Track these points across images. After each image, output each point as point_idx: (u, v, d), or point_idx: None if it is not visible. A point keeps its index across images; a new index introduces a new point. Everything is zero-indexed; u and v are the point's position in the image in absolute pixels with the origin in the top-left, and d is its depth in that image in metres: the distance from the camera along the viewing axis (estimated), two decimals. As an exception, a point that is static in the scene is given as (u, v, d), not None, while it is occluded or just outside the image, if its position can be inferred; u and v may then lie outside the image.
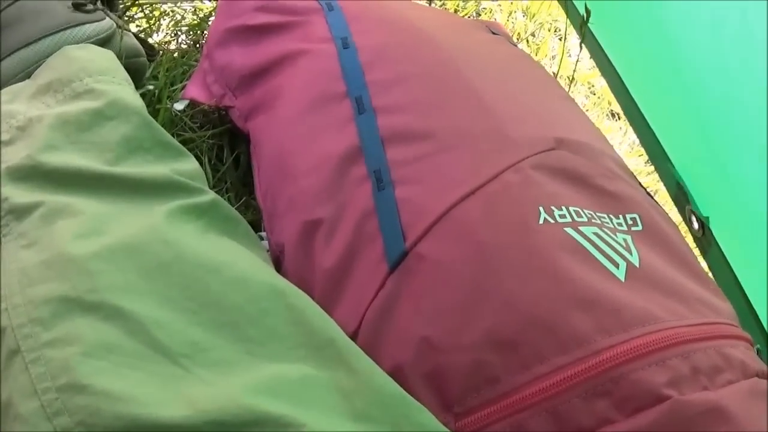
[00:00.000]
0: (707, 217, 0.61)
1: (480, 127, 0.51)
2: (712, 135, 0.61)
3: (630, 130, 1.05)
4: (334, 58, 0.58)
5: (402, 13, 0.64)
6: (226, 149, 0.71)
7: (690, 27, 0.62)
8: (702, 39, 0.60)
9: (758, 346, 0.47)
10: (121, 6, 0.77)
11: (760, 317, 0.56)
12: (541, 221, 0.45)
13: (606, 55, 0.73)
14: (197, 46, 0.85)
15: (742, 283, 0.58)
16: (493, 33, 0.70)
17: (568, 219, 0.46)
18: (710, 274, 0.62)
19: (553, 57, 1.09)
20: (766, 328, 0.55)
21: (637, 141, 1.04)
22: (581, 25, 0.64)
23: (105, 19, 0.63)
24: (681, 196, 0.64)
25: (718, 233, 0.60)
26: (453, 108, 0.52)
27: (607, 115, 1.07)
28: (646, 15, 0.66)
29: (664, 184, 0.68)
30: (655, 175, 0.96)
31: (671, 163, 0.65)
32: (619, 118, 1.08)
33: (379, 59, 0.57)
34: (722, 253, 0.60)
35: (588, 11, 0.62)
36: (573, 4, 0.74)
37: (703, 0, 0.58)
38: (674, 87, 0.65)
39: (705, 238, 0.61)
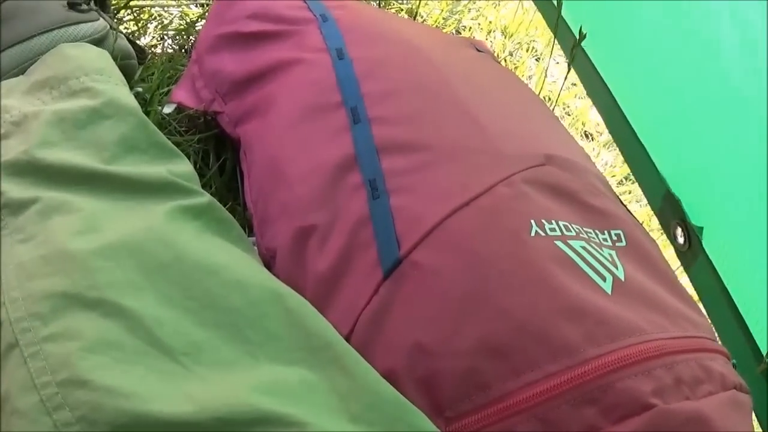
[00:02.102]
0: (701, 228, 0.62)
1: (473, 141, 0.52)
2: (706, 146, 0.62)
3: (602, 151, 1.08)
4: (329, 68, 0.59)
5: (395, 28, 0.65)
6: (212, 154, 0.72)
7: (682, 37, 0.63)
8: (697, 50, 0.62)
9: (734, 360, 0.49)
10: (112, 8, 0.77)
11: (750, 328, 0.57)
12: (532, 234, 0.46)
13: (596, 71, 0.74)
14: (183, 50, 0.86)
15: (731, 294, 0.59)
16: (478, 50, 0.72)
17: (558, 233, 0.47)
18: (692, 288, 0.64)
19: (530, 77, 1.12)
20: (755, 338, 0.57)
21: (609, 162, 1.07)
22: (573, 46, 0.65)
23: (99, 19, 0.63)
24: (668, 209, 0.65)
25: (709, 244, 0.62)
26: (446, 121, 0.54)
27: (580, 135, 1.10)
28: (638, 28, 0.68)
29: (648, 200, 0.70)
30: (627, 196, 0.98)
31: (661, 175, 0.66)
32: (593, 139, 1.10)
33: (373, 71, 0.58)
34: (711, 264, 0.61)
35: (582, 33, 0.63)
36: (566, 23, 0.76)
37: (696, 13, 0.60)
38: (667, 99, 0.67)
39: (690, 251, 0.62)
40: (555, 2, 0.74)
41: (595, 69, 0.74)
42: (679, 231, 0.63)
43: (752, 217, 0.56)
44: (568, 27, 0.76)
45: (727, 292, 0.60)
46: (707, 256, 0.62)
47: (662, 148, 0.68)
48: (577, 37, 0.63)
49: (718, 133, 0.61)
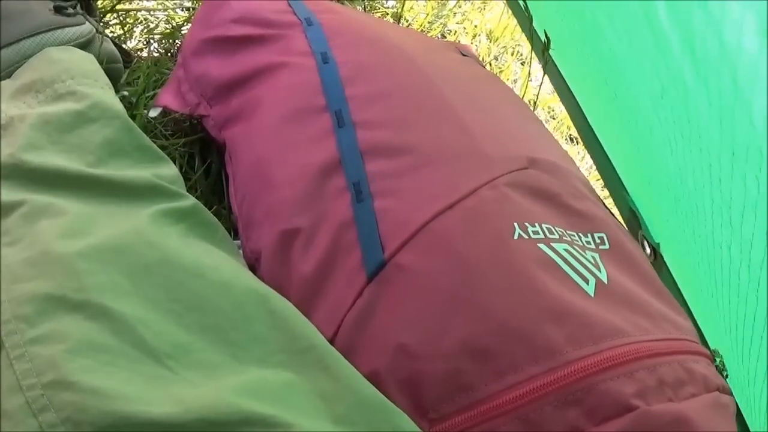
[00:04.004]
0: (658, 243, 0.62)
1: (457, 144, 0.52)
2: (663, 163, 0.63)
3: (587, 155, 1.08)
4: (314, 71, 0.59)
5: (380, 32, 0.66)
6: (197, 158, 0.72)
7: (643, 57, 0.64)
8: (655, 69, 0.62)
9: (717, 362, 0.49)
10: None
11: (707, 338, 0.58)
12: (515, 236, 0.46)
13: (565, 82, 0.75)
14: (169, 54, 0.86)
15: (690, 306, 0.60)
16: (463, 54, 0.72)
17: (541, 235, 0.47)
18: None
19: (515, 81, 1.12)
20: (711, 347, 0.57)
21: (593, 165, 1.07)
22: (543, 51, 0.66)
23: (85, 23, 0.63)
24: (633, 222, 0.66)
25: (668, 258, 0.62)
26: (431, 124, 0.54)
27: (566, 139, 1.10)
28: (601, 45, 0.68)
29: (618, 209, 0.71)
30: (611, 200, 0.99)
31: (625, 189, 0.67)
32: (578, 143, 1.10)
33: (358, 75, 0.58)
34: (672, 277, 0.62)
35: (548, 39, 0.64)
36: (536, 31, 0.77)
37: (655, 30, 0.60)
38: (626, 116, 0.67)
39: (656, 262, 0.63)
40: (523, 7, 0.74)
41: (563, 77, 0.74)
42: (646, 242, 0.64)
43: (705, 234, 0.57)
44: (536, 33, 0.77)
45: (687, 305, 0.61)
46: (669, 269, 0.63)
47: (624, 162, 0.68)
48: (543, 41, 0.64)
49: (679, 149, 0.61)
